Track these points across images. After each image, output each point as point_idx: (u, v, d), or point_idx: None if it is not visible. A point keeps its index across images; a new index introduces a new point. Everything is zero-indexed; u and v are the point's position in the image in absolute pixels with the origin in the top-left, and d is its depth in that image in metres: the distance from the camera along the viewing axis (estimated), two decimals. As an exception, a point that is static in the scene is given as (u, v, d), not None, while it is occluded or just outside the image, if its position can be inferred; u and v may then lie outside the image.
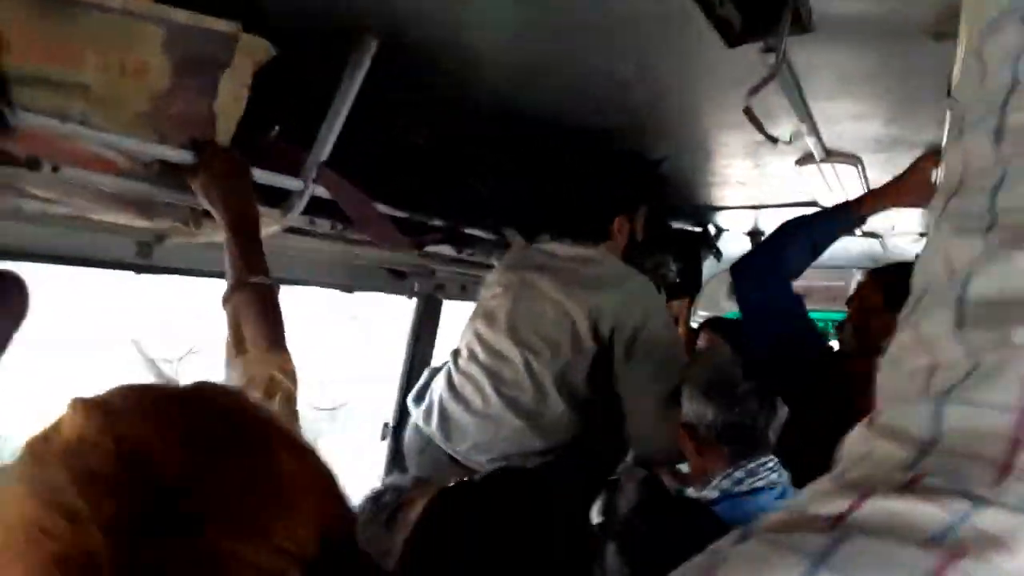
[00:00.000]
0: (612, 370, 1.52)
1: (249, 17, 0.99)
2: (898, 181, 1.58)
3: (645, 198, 1.71)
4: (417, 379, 1.79)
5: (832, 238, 1.60)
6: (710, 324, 2.63)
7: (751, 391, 1.35)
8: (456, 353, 1.66)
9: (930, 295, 0.38)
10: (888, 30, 1.03)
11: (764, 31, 1.03)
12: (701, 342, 2.50)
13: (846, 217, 1.60)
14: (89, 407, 0.48)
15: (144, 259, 1.33)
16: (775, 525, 0.35)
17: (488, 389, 1.54)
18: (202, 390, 0.54)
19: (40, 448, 0.47)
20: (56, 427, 0.48)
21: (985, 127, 0.38)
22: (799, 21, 0.98)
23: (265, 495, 0.48)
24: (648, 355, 1.49)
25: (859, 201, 1.61)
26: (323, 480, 0.53)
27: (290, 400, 0.93)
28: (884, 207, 1.58)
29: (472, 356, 1.60)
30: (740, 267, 1.62)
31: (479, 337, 1.60)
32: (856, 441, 0.38)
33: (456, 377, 1.60)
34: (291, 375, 0.96)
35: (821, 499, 0.35)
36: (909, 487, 0.33)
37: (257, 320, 0.97)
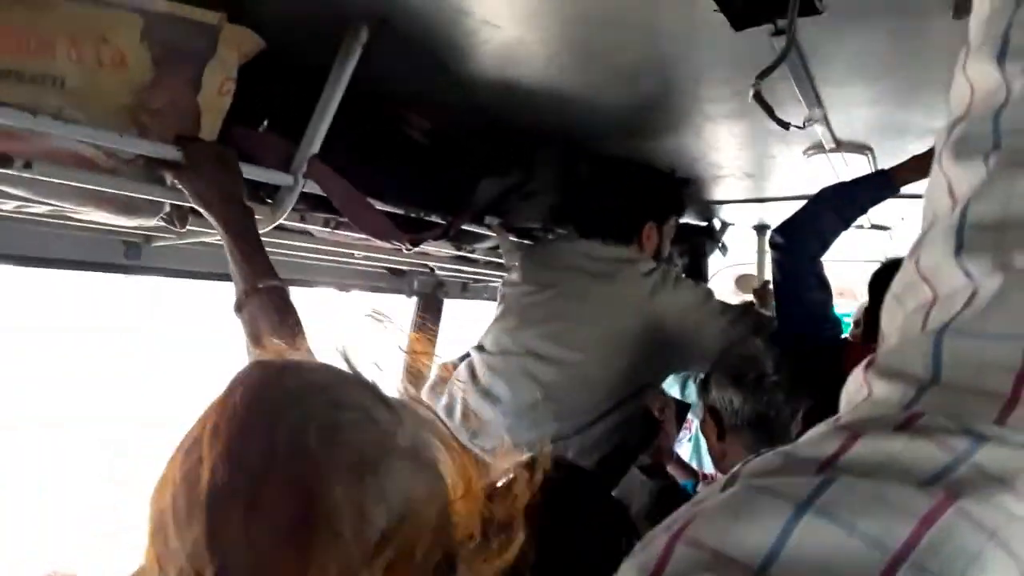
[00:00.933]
0: (656, 368, 1.61)
1: (236, 7, 0.95)
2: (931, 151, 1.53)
3: (674, 210, 1.75)
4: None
5: (867, 207, 1.58)
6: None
7: (779, 383, 1.34)
8: (481, 348, 1.63)
9: (933, 227, 0.36)
10: (903, 7, 0.99)
11: (772, 13, 0.99)
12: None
13: (882, 185, 1.57)
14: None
15: (133, 260, 1.29)
16: (763, 469, 0.32)
17: (524, 387, 1.52)
18: None
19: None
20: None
21: (989, 49, 0.36)
22: (809, 1, 0.93)
23: None
24: (705, 326, 1.56)
25: (896, 169, 1.57)
26: None
27: None
28: (920, 176, 1.53)
29: (505, 352, 1.58)
30: (777, 237, 1.59)
31: (512, 334, 1.59)
32: (854, 385, 0.36)
33: (482, 372, 1.58)
34: None
35: (813, 442, 0.32)
36: (905, 426, 0.31)
37: (274, 325, 0.94)
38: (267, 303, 0.97)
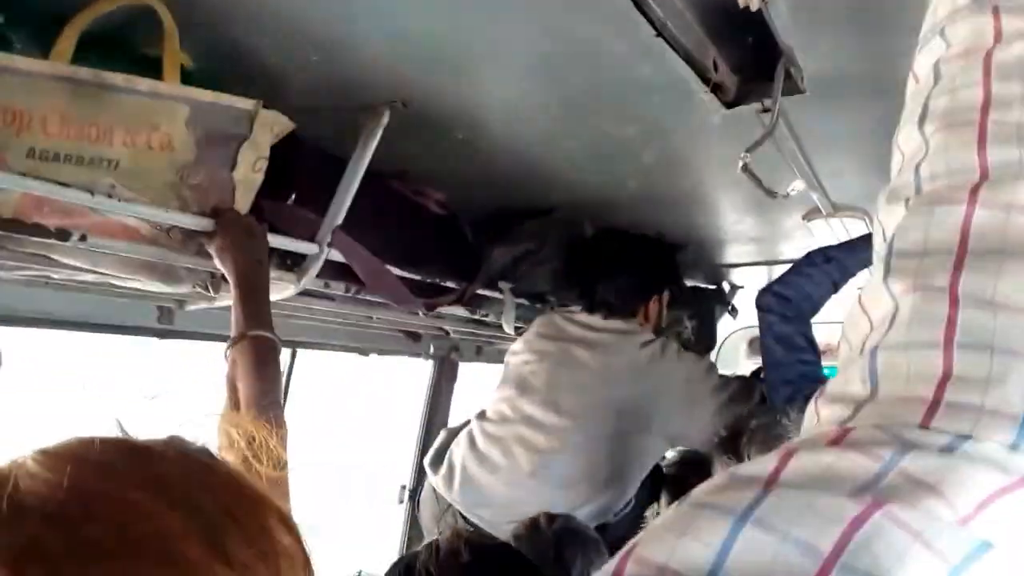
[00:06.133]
0: (653, 438, 1.58)
1: (269, 92, 1.05)
2: None
3: (670, 279, 1.79)
4: (434, 441, 1.79)
5: (855, 271, 1.59)
6: None
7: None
8: (482, 416, 1.66)
9: (867, 270, 0.41)
10: (882, 86, 1.06)
11: (760, 93, 1.07)
12: None
13: (869, 248, 1.59)
14: (60, 461, 0.42)
15: (165, 324, 1.37)
16: (709, 488, 0.34)
17: (519, 455, 1.53)
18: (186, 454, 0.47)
19: None
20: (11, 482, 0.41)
21: (913, 118, 0.42)
22: (791, 82, 1.02)
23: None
24: (702, 402, 1.54)
25: None
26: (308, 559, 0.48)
27: (278, 463, 0.94)
28: None
29: (503, 420, 1.60)
30: (769, 299, 1.60)
31: (510, 402, 1.61)
32: (808, 415, 0.38)
33: (481, 441, 1.59)
34: (281, 436, 0.96)
35: (757, 462, 0.34)
36: (837, 440, 0.33)
37: (252, 374, 0.99)
38: (251, 350, 1.01)
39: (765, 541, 0.29)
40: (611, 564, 0.32)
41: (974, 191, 0.36)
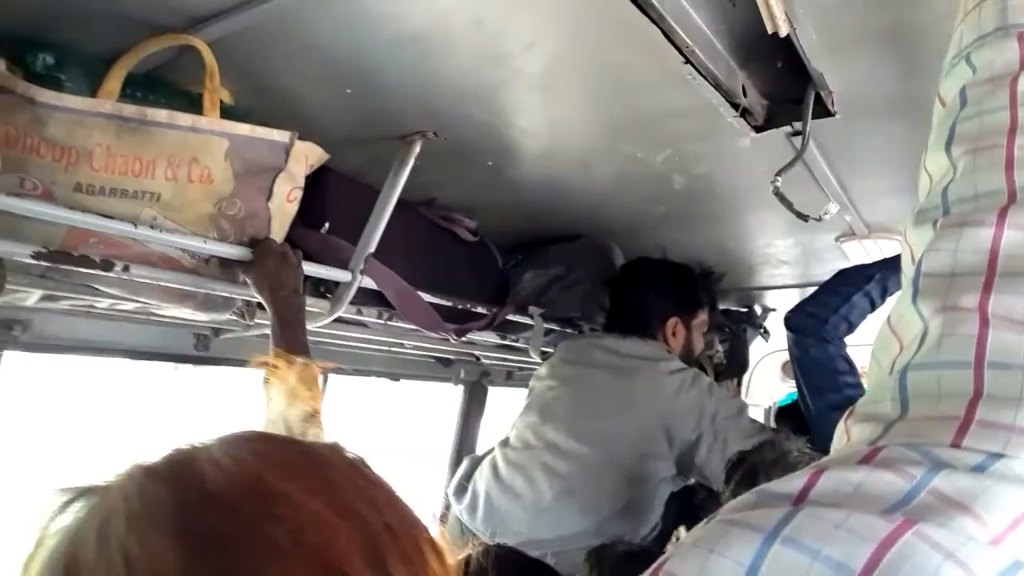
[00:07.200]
0: (683, 462, 1.54)
1: (305, 124, 1.08)
2: None
3: (701, 304, 1.74)
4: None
5: (894, 289, 1.53)
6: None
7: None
8: (505, 443, 1.65)
9: (900, 291, 0.41)
10: (914, 106, 1.05)
11: (789, 116, 1.07)
12: None
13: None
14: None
15: (202, 351, 1.39)
16: (739, 505, 0.34)
17: (541, 481, 1.52)
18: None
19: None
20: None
21: (940, 141, 0.43)
22: (821, 105, 1.02)
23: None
24: (725, 442, 1.49)
25: None
26: None
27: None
28: None
29: (526, 447, 1.59)
30: (802, 319, 1.55)
31: (533, 429, 1.60)
32: (838, 435, 0.38)
33: (504, 468, 1.58)
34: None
35: (786, 480, 0.34)
36: (867, 459, 0.33)
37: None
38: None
39: (795, 559, 0.29)
40: None
41: (1002, 213, 0.37)
